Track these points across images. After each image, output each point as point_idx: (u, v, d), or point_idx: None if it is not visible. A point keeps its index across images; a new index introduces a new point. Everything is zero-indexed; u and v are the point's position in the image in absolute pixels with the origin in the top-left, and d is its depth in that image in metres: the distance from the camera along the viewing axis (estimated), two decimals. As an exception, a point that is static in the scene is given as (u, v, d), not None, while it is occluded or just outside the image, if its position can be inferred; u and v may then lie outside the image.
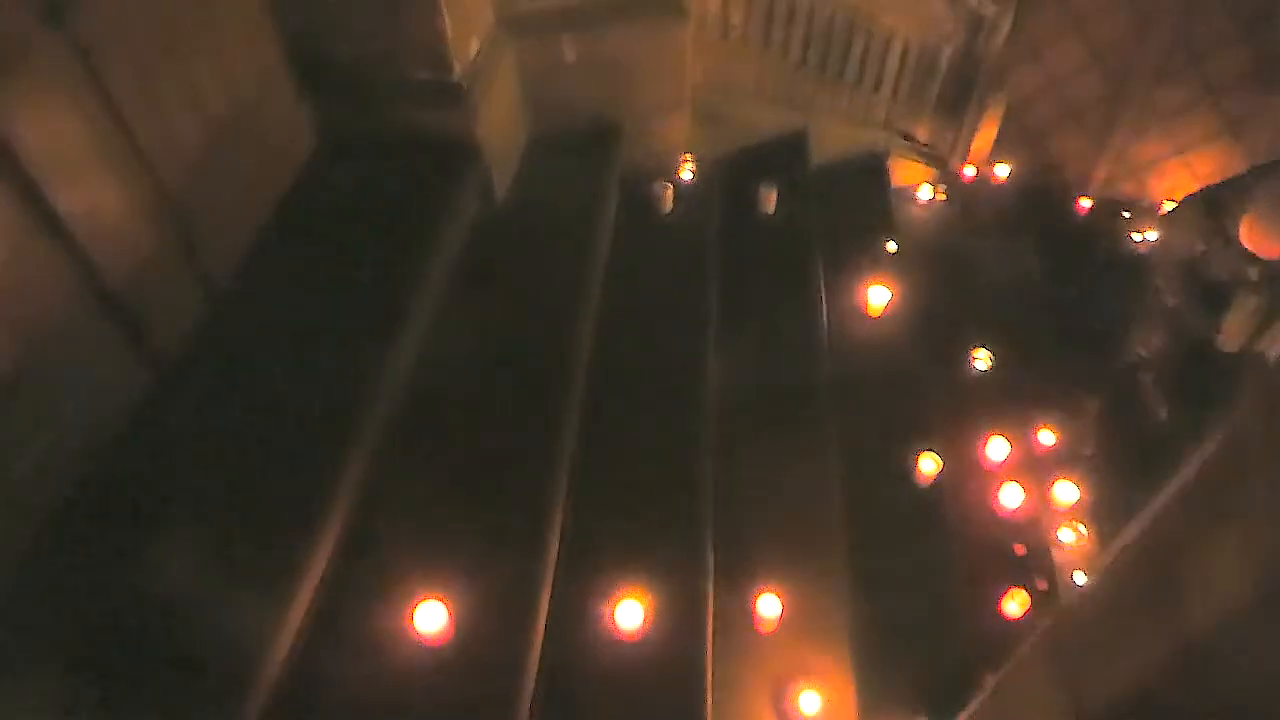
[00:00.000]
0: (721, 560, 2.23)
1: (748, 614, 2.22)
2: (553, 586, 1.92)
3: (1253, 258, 2.85)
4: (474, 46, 2.67)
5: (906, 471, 2.81)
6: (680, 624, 1.97)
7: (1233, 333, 3.39)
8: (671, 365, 2.61)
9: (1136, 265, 4.04)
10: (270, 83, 2.37)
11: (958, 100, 3.95)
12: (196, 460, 1.79)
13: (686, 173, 3.32)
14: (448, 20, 2.46)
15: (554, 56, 2.94)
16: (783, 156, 3.70)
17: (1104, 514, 3.17)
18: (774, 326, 3.03)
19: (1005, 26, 3.67)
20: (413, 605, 1.70)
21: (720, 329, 2.89)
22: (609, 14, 2.93)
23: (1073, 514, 3.12)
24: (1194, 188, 4.51)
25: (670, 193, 3.16)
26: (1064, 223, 4.58)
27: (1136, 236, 4.45)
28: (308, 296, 2.17)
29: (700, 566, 2.11)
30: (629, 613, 1.92)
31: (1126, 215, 4.59)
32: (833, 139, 3.89)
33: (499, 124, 2.82)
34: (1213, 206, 2.92)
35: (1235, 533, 0.82)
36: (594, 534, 2.12)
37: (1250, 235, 2.77)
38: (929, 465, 2.78)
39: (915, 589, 2.61)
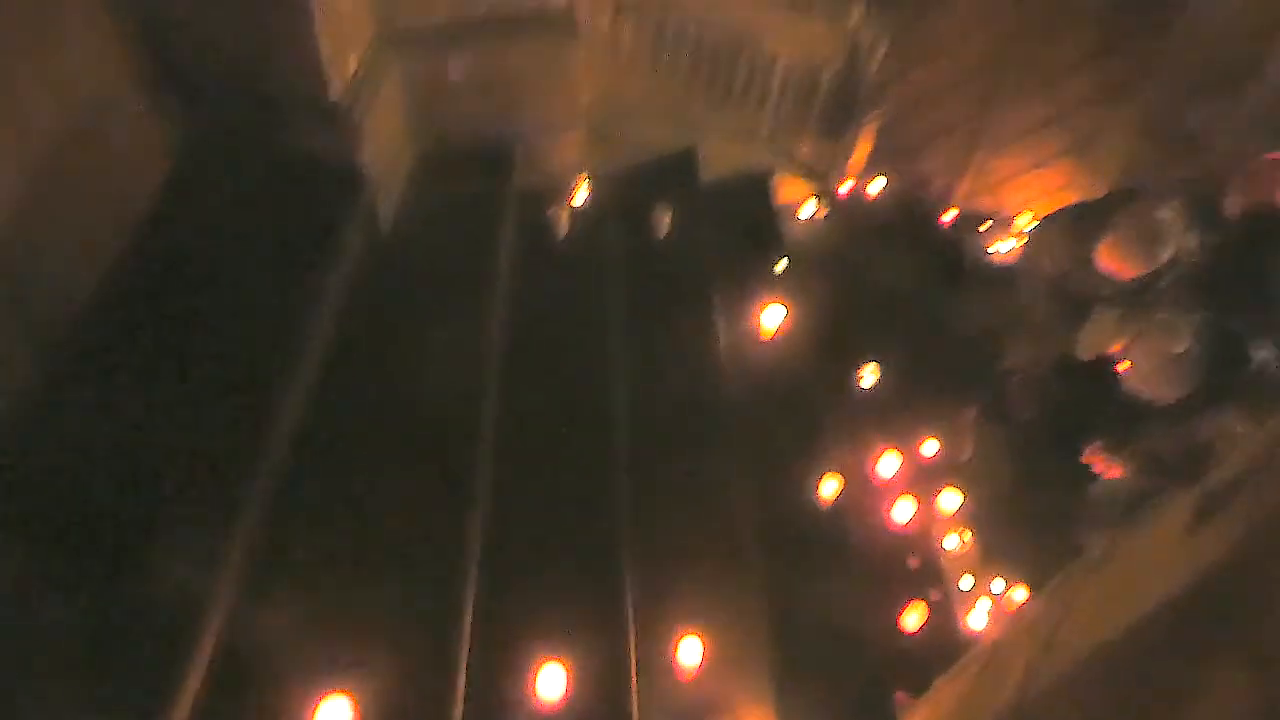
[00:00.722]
0: (640, 605, 2.18)
1: (668, 661, 2.17)
2: (468, 657, 1.81)
3: (1108, 279, 3.09)
4: (353, 64, 2.48)
5: (808, 494, 2.86)
6: (603, 686, 1.90)
7: (1087, 344, 3.67)
8: (577, 406, 2.52)
9: (1002, 277, 4.30)
10: (117, 98, 2.10)
11: (837, 119, 4.06)
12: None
13: (582, 193, 3.23)
14: (323, 35, 2.26)
15: (441, 75, 2.78)
16: (674, 175, 3.68)
17: (984, 519, 3.35)
18: (674, 356, 3.00)
19: (882, 49, 3.80)
20: (315, 704, 1.55)
21: (623, 356, 2.83)
22: (498, 32, 2.79)
23: (956, 521, 3.28)
24: (1046, 201, 4.90)
25: (566, 216, 3.06)
26: (932, 236, 4.82)
27: (994, 249, 4.78)
28: (162, 353, 1.93)
29: (621, 623, 2.04)
30: (550, 679, 1.83)
31: (985, 228, 4.91)
32: (721, 157, 3.90)
33: (383, 147, 2.63)
34: (1073, 228, 3.14)
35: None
36: (508, 595, 2.01)
37: (1107, 259, 2.99)
38: (830, 487, 2.84)
39: (823, 612, 2.66)
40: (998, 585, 3.21)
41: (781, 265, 3.63)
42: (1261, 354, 2.66)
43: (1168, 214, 2.87)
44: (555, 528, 2.22)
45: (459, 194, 2.87)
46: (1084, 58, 4.30)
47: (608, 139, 3.46)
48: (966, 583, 3.14)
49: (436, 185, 2.86)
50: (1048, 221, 3.71)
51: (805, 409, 3.19)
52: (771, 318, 3.31)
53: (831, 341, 3.53)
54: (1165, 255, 2.88)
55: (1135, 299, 3.22)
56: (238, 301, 2.09)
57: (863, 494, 3.07)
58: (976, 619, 3.00)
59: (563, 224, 3.09)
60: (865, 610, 2.78)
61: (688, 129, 3.76)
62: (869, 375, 3.51)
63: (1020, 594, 3.20)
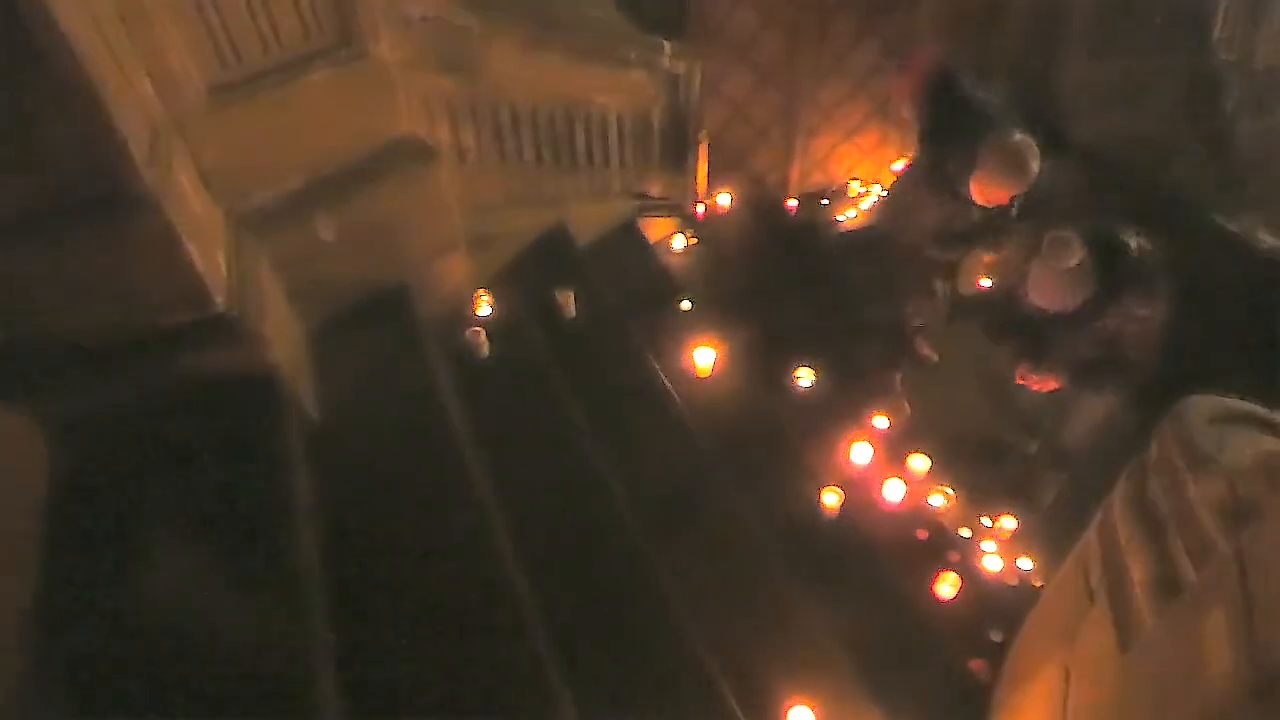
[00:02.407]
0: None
1: None
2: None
3: (983, 209, 3.34)
4: (223, 265, 2.25)
5: (814, 509, 2.92)
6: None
7: (965, 278, 3.98)
8: (576, 534, 2.43)
9: (867, 243, 4.58)
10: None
11: (676, 151, 4.18)
12: None
13: (485, 308, 3.12)
14: (193, 250, 2.04)
15: (312, 239, 2.59)
16: (555, 254, 3.64)
17: (950, 467, 3.55)
18: (636, 429, 2.97)
19: (698, 77, 3.95)
20: None
21: (593, 450, 2.77)
22: (358, 180, 2.65)
23: (932, 480, 3.45)
24: (868, 163, 5.29)
25: (482, 336, 2.95)
26: (784, 226, 5.07)
27: (842, 217, 5.11)
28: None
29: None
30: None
31: (825, 202, 5.23)
32: (587, 220, 3.92)
33: (284, 334, 2.42)
34: (943, 176, 3.34)
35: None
36: None
37: (984, 191, 3.23)
38: (831, 499, 2.90)
39: (870, 615, 2.72)
40: (987, 521, 3.41)
41: (685, 303, 3.68)
42: (1133, 240, 2.97)
43: (1020, 136, 3.14)
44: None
45: (373, 350, 2.69)
46: (861, 30, 4.68)
47: (485, 243, 3.37)
48: (965, 533, 3.30)
49: (347, 349, 2.65)
50: (907, 174, 3.95)
51: (767, 426, 3.26)
52: (704, 357, 3.35)
53: (761, 359, 3.62)
54: (1035, 170, 3.15)
55: (1003, 224, 3.52)
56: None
57: (846, 487, 3.14)
58: (990, 561, 3.16)
59: (481, 343, 2.97)
60: (904, 598, 2.86)
61: (551, 205, 3.73)
62: (804, 379, 3.62)
63: (1009, 522, 3.42)
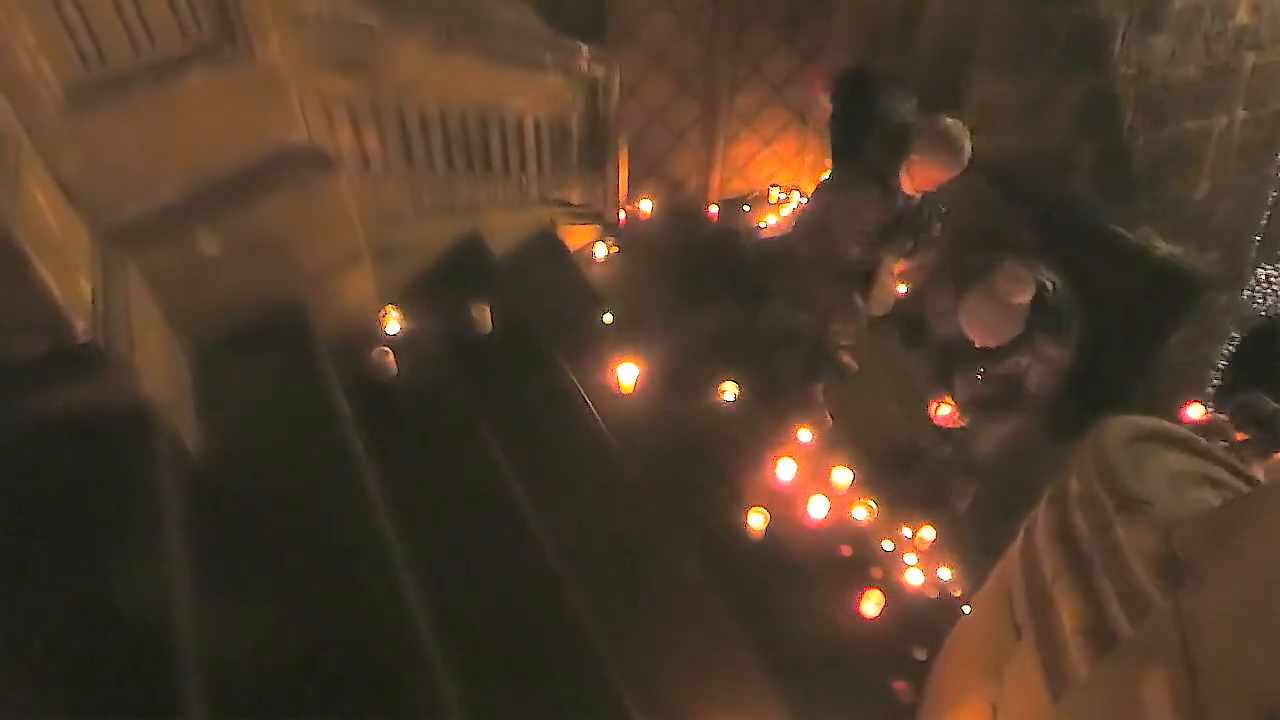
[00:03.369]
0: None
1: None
2: None
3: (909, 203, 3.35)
4: (86, 288, 2.01)
5: (739, 530, 2.86)
6: None
7: (882, 298, 4.00)
8: (492, 571, 2.29)
9: (787, 251, 4.57)
10: None
11: (595, 157, 4.05)
12: None
13: (393, 324, 2.93)
14: (48, 272, 1.80)
15: (193, 256, 2.35)
16: (470, 266, 3.47)
17: (870, 477, 3.56)
18: (556, 452, 2.85)
19: (616, 82, 3.83)
20: None
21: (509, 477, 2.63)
22: (245, 190, 2.42)
23: (854, 493, 3.45)
24: (787, 170, 5.29)
25: (389, 355, 2.76)
26: (706, 233, 5.01)
27: (762, 224, 5.10)
28: None
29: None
30: None
31: (747, 209, 5.20)
32: (503, 229, 3.75)
33: (159, 362, 2.18)
34: (874, 172, 3.33)
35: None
36: None
37: (920, 176, 3.23)
38: (757, 520, 2.85)
39: (794, 632, 2.69)
40: (907, 532, 3.43)
41: (608, 318, 3.57)
42: (1049, 280, 3.00)
43: (951, 119, 3.16)
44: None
45: (266, 376, 2.47)
46: (778, 38, 4.65)
47: (392, 253, 3.16)
48: (888, 545, 3.31)
49: (237, 376, 2.42)
50: (836, 174, 3.93)
51: (696, 445, 3.19)
52: (628, 374, 3.25)
53: (684, 373, 3.55)
54: (969, 151, 3.15)
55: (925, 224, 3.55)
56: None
57: (769, 503, 3.09)
58: (912, 575, 3.17)
59: (388, 363, 2.78)
60: (828, 619, 2.84)
61: (464, 214, 3.55)
62: (728, 393, 3.56)
63: (928, 532, 3.45)
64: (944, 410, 3.43)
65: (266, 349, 2.53)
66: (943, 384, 3.47)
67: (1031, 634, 1.71)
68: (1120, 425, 2.06)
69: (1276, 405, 4.32)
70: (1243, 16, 4.40)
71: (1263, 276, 7.03)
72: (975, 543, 3.56)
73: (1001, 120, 4.35)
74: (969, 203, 4.25)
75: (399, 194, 3.27)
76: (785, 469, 3.28)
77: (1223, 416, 4.65)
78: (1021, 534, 2.18)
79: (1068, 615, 1.57)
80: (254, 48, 2.30)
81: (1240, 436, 4.19)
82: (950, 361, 3.40)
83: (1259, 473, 3.58)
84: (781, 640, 2.58)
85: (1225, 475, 1.89)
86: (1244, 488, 1.85)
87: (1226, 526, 1.10)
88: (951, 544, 3.50)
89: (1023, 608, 1.83)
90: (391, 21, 2.84)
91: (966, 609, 3.17)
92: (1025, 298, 2.84)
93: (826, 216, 3.58)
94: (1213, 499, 1.73)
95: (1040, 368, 3.11)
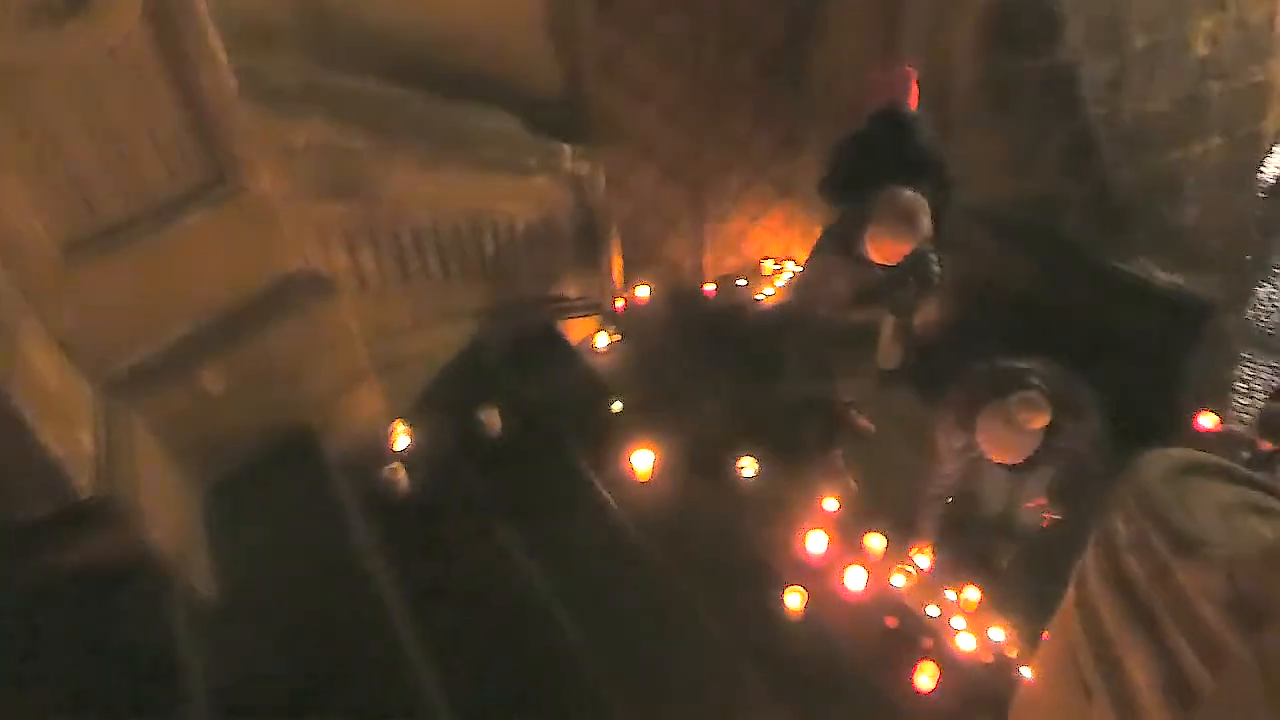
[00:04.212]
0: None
1: None
2: None
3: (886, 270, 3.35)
4: (88, 442, 1.98)
5: (778, 613, 2.74)
6: None
7: (887, 352, 3.98)
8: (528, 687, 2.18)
9: (787, 319, 4.57)
10: None
11: (590, 250, 4.11)
12: None
13: (403, 439, 2.90)
14: (48, 435, 1.79)
15: (199, 394, 2.34)
16: (474, 370, 3.46)
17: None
18: (579, 549, 2.77)
19: (601, 177, 3.92)
20: None
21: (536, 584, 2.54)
22: (247, 323, 2.44)
23: (891, 559, 3.32)
24: (777, 242, 5.36)
25: (401, 472, 2.72)
26: (705, 311, 5.03)
27: (760, 296, 5.13)
28: None
29: None
30: None
31: (743, 283, 5.24)
32: (504, 329, 3.76)
33: (168, 505, 2.14)
34: (842, 241, 3.35)
35: None
36: None
37: (879, 249, 3.25)
38: (795, 599, 2.73)
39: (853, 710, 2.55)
40: (951, 595, 3.29)
41: (617, 406, 3.54)
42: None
43: (910, 191, 3.19)
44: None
45: (276, 506, 2.43)
46: (757, 121, 4.79)
47: (396, 368, 3.17)
48: (934, 611, 3.17)
49: (246, 510, 2.38)
50: (816, 251, 3.96)
51: (721, 527, 3.10)
52: (642, 460, 3.20)
53: (700, 454, 3.48)
54: (927, 225, 3.17)
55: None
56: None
57: (805, 579, 2.97)
58: (964, 640, 3.02)
59: (400, 480, 2.74)
60: (883, 697, 2.68)
61: (462, 319, 3.57)
62: (747, 469, 3.49)
63: (973, 593, 3.31)
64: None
65: (278, 478, 2.51)
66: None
67: (1104, 695, 1.60)
68: (1158, 460, 1.99)
69: None
70: (1200, 49, 4.53)
71: (1263, 295, 7.00)
72: (1025, 598, 3.41)
73: (990, 171, 4.42)
74: (968, 253, 4.27)
75: (398, 308, 3.30)
76: (816, 541, 3.17)
77: (1238, 427, 4.55)
78: (1073, 586, 2.08)
79: (1139, 671, 1.47)
80: (246, 183, 2.36)
81: (1267, 446, 4.09)
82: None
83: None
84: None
85: (1269, 500, 1.81)
86: None
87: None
88: (1000, 603, 3.35)
89: (1090, 666, 1.72)
90: (379, 144, 2.93)
91: (1025, 670, 3.01)
92: (1042, 423, 2.77)
93: (811, 281, 3.60)
94: (1262, 528, 1.64)
95: (1053, 468, 3.02)
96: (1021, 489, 3.23)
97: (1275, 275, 6.99)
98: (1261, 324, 6.51)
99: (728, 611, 2.73)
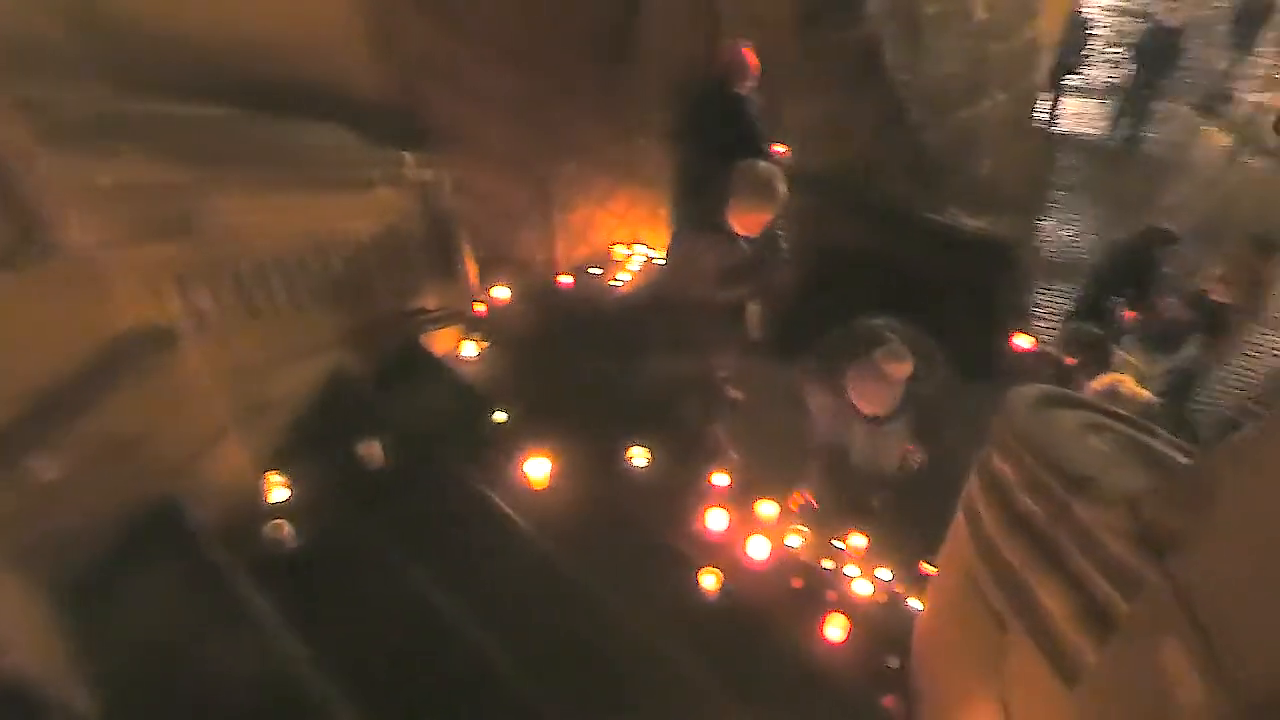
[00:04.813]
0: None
1: None
2: None
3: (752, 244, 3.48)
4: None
5: (696, 595, 2.82)
6: None
7: (754, 323, 4.14)
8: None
9: (652, 301, 4.63)
10: None
11: (443, 258, 3.96)
12: None
13: (279, 490, 2.67)
14: None
15: (29, 487, 2.03)
16: (344, 402, 3.24)
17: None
18: (487, 569, 2.70)
19: (447, 181, 3.77)
20: None
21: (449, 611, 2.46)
22: (79, 395, 2.13)
23: (783, 523, 3.49)
24: (625, 226, 5.40)
25: (285, 527, 2.51)
26: (565, 304, 5.00)
27: (616, 281, 5.17)
28: None
29: None
30: None
31: (597, 271, 5.25)
32: (367, 353, 3.55)
33: (15, 624, 1.86)
34: (705, 220, 3.44)
35: None
36: None
37: (741, 221, 3.37)
38: (710, 580, 2.81)
39: (780, 679, 2.68)
40: (839, 544, 3.52)
41: (500, 415, 3.45)
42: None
43: (764, 163, 3.32)
44: None
45: (149, 591, 2.17)
46: (589, 108, 4.77)
47: (263, 409, 2.91)
48: (828, 564, 3.37)
49: (116, 602, 2.11)
50: (683, 228, 4.01)
51: (624, 521, 3.12)
52: (536, 469, 3.15)
53: (590, 451, 3.47)
54: (783, 192, 3.32)
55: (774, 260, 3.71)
56: None
57: (717, 558, 3.07)
58: (860, 587, 3.24)
59: (285, 534, 2.53)
60: (802, 655, 2.84)
61: (325, 345, 3.33)
62: (639, 457, 3.53)
63: (859, 540, 3.56)
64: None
65: (147, 560, 2.24)
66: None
67: (1019, 625, 1.77)
68: (1020, 398, 2.22)
69: (1099, 333, 4.88)
70: (980, 14, 5.00)
71: (1046, 228, 7.96)
72: (899, 535, 3.71)
73: (815, 140, 4.67)
74: (801, 219, 4.50)
75: (249, 348, 3.01)
76: (716, 519, 3.27)
77: (1050, 348, 5.21)
78: (964, 524, 2.28)
79: (1052, 601, 1.64)
80: (54, 240, 2.05)
81: (1070, 361, 4.70)
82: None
83: (1088, 391, 3.99)
84: (765, 686, 2.56)
85: (1102, 418, 2.07)
86: (1122, 427, 2.03)
87: (1198, 492, 1.18)
88: (880, 543, 3.61)
89: (999, 599, 1.90)
90: (202, 174, 2.64)
91: (914, 603, 3.29)
92: (906, 371, 3.00)
93: (674, 266, 3.67)
94: (1102, 444, 1.89)
95: (912, 413, 3.27)
96: (886, 437, 3.48)
97: (1052, 210, 7.96)
98: (1048, 254, 7.41)
99: (647, 601, 2.77)
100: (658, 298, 4.09)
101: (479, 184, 4.51)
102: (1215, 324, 4.89)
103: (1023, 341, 5.14)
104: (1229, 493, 1.12)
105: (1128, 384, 3.87)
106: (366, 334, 3.54)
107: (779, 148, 4.38)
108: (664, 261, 4.19)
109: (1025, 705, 1.75)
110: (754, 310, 4.09)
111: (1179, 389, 5.06)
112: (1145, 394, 3.91)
